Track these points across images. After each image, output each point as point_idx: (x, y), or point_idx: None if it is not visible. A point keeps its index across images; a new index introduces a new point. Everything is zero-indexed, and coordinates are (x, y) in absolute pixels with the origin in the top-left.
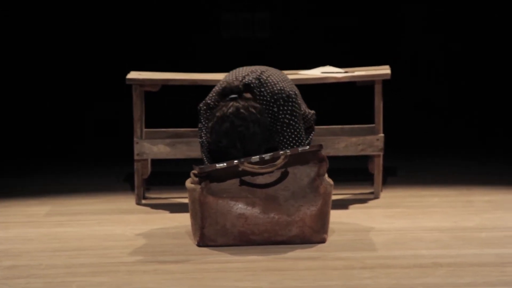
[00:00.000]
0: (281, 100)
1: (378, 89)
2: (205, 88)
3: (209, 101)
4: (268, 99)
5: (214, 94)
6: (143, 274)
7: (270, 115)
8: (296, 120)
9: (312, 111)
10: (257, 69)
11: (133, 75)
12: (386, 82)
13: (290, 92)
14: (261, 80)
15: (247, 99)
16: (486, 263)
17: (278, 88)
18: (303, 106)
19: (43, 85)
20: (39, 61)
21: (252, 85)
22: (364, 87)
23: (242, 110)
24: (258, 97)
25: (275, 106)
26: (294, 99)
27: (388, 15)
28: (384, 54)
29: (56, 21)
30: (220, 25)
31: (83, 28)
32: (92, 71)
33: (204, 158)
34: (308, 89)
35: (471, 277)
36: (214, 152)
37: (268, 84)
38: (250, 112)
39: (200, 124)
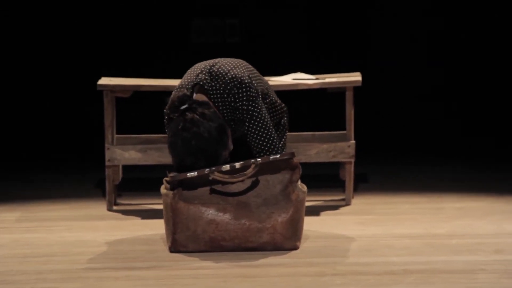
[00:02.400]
0: (234, 89)
1: (349, 96)
2: None
3: (168, 111)
4: (221, 91)
5: (171, 102)
6: (114, 280)
7: (228, 106)
8: (254, 104)
9: (283, 105)
10: (209, 63)
11: (104, 81)
12: (357, 89)
13: (243, 78)
14: (212, 73)
15: (197, 106)
16: (456, 270)
17: (230, 76)
18: (271, 94)
19: (13, 90)
20: (11, 66)
21: (201, 83)
22: (335, 93)
23: (188, 124)
24: (210, 93)
25: (230, 95)
26: (247, 83)
27: (358, 21)
28: (355, 60)
29: (27, 27)
30: (191, 30)
31: (55, 33)
32: (64, 76)
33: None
34: (279, 95)
35: (441, 284)
36: (184, 169)
37: (220, 75)
38: (199, 122)
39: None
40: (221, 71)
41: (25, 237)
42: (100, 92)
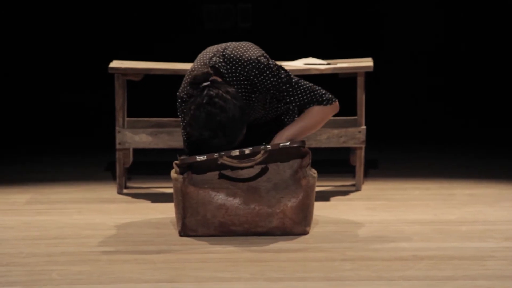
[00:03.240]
0: (254, 70)
1: (360, 82)
2: None
3: (182, 94)
4: (237, 74)
5: (185, 85)
6: (124, 263)
7: (244, 90)
8: (280, 76)
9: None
10: (221, 46)
11: (115, 64)
12: (368, 74)
13: (259, 58)
14: (226, 56)
15: (219, 85)
16: (466, 256)
17: (246, 59)
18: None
19: (26, 74)
20: (21, 51)
21: (217, 66)
22: (347, 79)
23: (216, 99)
24: (226, 76)
25: (250, 78)
26: (265, 61)
27: (371, 6)
28: (367, 46)
29: (38, 12)
30: (202, 16)
31: (66, 18)
32: (75, 60)
33: (186, 150)
34: None
35: (451, 270)
36: (198, 145)
37: (235, 58)
38: (225, 98)
39: (180, 116)
40: (236, 54)
41: (36, 220)
42: (112, 75)
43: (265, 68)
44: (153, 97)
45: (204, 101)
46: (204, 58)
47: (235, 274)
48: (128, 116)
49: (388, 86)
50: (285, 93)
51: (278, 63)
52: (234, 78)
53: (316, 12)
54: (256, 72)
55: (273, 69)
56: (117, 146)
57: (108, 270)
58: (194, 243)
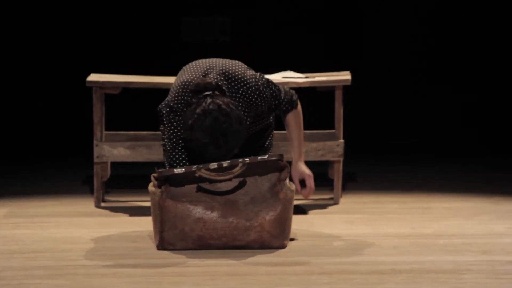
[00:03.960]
0: (257, 92)
1: (338, 95)
2: (165, 91)
3: (172, 104)
4: (238, 95)
5: (176, 95)
6: (102, 277)
7: (242, 109)
8: (272, 93)
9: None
10: (213, 62)
11: (93, 77)
12: (346, 88)
13: (257, 78)
14: (227, 75)
15: (222, 96)
16: (444, 270)
17: (247, 79)
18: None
19: (2, 86)
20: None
21: (220, 83)
22: (325, 92)
23: (224, 106)
24: (228, 95)
25: (253, 99)
26: (263, 82)
27: (351, 19)
28: (345, 59)
29: (16, 22)
30: (181, 28)
31: (45, 31)
32: (53, 73)
33: (166, 163)
34: None
35: (428, 283)
36: (192, 152)
37: (237, 77)
38: (231, 108)
39: (161, 126)
40: (237, 73)
41: (13, 233)
42: (90, 88)
43: (265, 90)
44: (131, 110)
45: (211, 107)
46: (198, 71)
47: None
48: (106, 130)
49: (366, 99)
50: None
51: None
52: (233, 95)
53: (296, 25)
54: (258, 93)
55: (271, 89)
56: (95, 160)
57: (86, 284)
58: (172, 256)
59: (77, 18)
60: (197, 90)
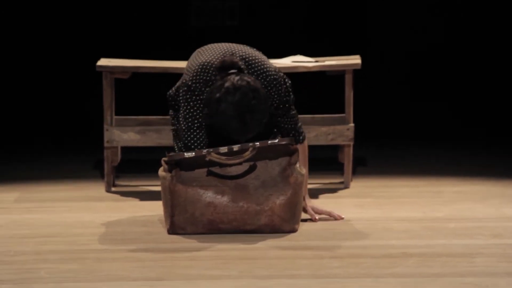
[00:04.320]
0: (274, 82)
1: (348, 79)
2: (175, 76)
3: (189, 83)
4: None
5: (195, 74)
6: (112, 261)
7: None
8: (289, 95)
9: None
10: (232, 47)
11: (103, 62)
12: (356, 72)
13: (276, 70)
14: (247, 60)
15: (247, 75)
16: (454, 253)
17: (267, 68)
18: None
19: (11, 70)
20: (8, 47)
21: (242, 67)
22: (335, 76)
23: (253, 83)
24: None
25: (269, 87)
26: (282, 75)
27: (360, 3)
28: (355, 43)
29: (28, 7)
30: (190, 13)
31: (55, 13)
32: (62, 57)
33: (175, 147)
34: None
35: (440, 267)
36: (212, 129)
37: (257, 65)
38: (260, 87)
39: (171, 111)
40: (258, 61)
41: (24, 218)
42: (99, 73)
43: (281, 84)
44: (141, 95)
45: (241, 83)
46: (217, 53)
47: (224, 272)
48: (116, 114)
49: (377, 83)
50: (281, 111)
51: None
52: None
53: (304, 9)
54: (275, 83)
55: (287, 86)
56: (105, 144)
57: (96, 268)
58: (183, 241)
59: (87, 3)
60: (223, 67)
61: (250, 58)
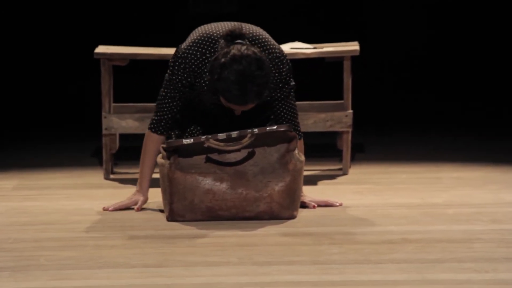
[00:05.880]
0: (276, 60)
1: (347, 65)
2: None
3: (182, 50)
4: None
5: (193, 43)
6: (111, 248)
7: None
8: (290, 80)
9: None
10: (236, 25)
11: (101, 49)
12: (354, 58)
13: (281, 49)
14: (250, 36)
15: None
16: (453, 239)
17: (271, 45)
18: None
19: (9, 61)
20: (7, 37)
21: (247, 36)
22: (333, 63)
23: (259, 55)
24: None
25: (271, 64)
26: (286, 55)
27: None
28: (353, 28)
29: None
30: (188, 0)
31: (52, 1)
32: (60, 44)
33: (172, 134)
34: None
35: (439, 253)
36: (213, 92)
37: (260, 40)
38: (266, 60)
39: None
40: (261, 37)
41: (23, 205)
42: (97, 60)
43: (285, 62)
44: (139, 82)
45: (248, 52)
46: (221, 27)
47: (223, 259)
48: (114, 102)
49: (375, 69)
50: (283, 97)
51: None
52: None
53: None
54: (278, 61)
55: (290, 68)
56: (104, 132)
57: (96, 255)
58: (182, 227)
59: None
60: (231, 35)
61: (255, 35)
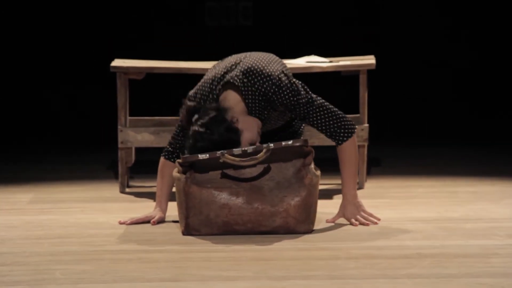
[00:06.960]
0: (273, 87)
1: (363, 79)
2: (189, 76)
3: (192, 94)
4: (254, 89)
5: (197, 88)
6: (127, 262)
7: (257, 105)
8: (300, 96)
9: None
10: (240, 57)
11: (117, 62)
12: (371, 72)
13: (280, 75)
14: (245, 68)
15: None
16: (470, 254)
17: (266, 73)
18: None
19: (27, 72)
20: (23, 49)
21: (231, 80)
22: (349, 76)
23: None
24: (243, 90)
25: (269, 94)
26: (285, 80)
27: (372, 5)
28: (369, 43)
29: (41, 7)
30: (204, 13)
31: (68, 13)
32: (77, 58)
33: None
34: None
35: (455, 268)
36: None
37: (254, 72)
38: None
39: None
40: (256, 67)
41: (38, 219)
42: (114, 74)
43: (284, 87)
44: (155, 95)
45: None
46: (223, 67)
47: (239, 273)
48: (130, 115)
49: (391, 83)
50: (305, 114)
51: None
52: (250, 93)
53: (318, 9)
54: (275, 89)
55: (293, 88)
56: (119, 145)
57: (111, 269)
58: (198, 242)
59: (102, 3)
60: (193, 111)
61: (252, 68)
